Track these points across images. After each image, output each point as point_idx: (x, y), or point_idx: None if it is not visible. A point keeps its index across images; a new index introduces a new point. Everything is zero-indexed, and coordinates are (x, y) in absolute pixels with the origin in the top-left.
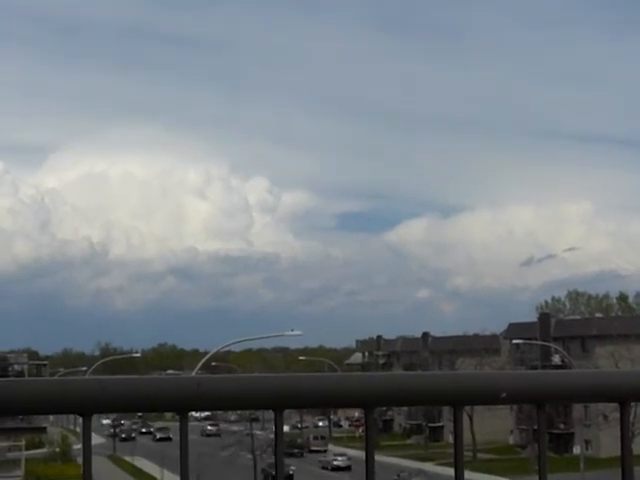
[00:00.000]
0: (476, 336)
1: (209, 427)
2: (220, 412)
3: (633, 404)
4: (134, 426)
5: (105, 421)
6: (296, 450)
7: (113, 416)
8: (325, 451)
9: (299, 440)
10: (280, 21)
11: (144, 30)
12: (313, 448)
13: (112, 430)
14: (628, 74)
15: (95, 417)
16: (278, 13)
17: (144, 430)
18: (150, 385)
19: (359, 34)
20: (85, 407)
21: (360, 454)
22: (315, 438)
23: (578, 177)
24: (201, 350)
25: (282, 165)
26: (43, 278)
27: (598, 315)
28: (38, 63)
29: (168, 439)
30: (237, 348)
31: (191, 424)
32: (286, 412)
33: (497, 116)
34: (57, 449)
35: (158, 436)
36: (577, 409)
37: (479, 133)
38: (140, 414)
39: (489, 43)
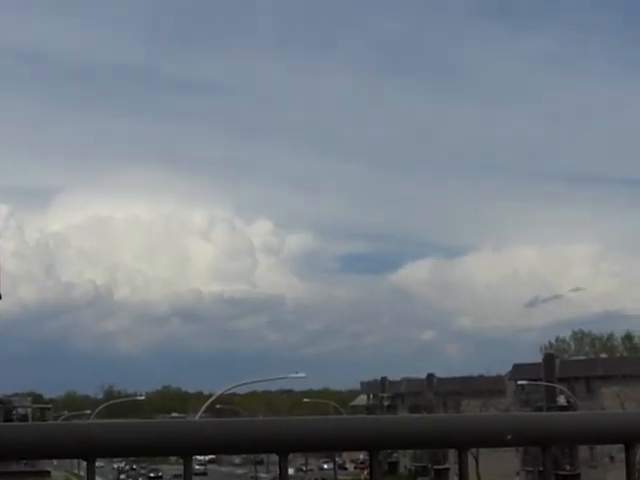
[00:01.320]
0: (481, 377)
1: (197, 466)
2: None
3: (639, 445)
4: (142, 470)
5: (116, 465)
6: None
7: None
8: None
9: None
10: (284, 63)
11: (148, 73)
12: None
13: (118, 474)
14: (635, 115)
15: (106, 461)
16: (282, 54)
17: (152, 475)
18: (154, 429)
19: (366, 75)
20: (88, 451)
21: None
22: None
23: (583, 218)
24: (205, 392)
25: (286, 207)
26: (47, 321)
27: (603, 355)
28: (43, 106)
29: None
30: (242, 390)
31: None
32: (291, 455)
33: (501, 157)
34: None
35: None
36: (583, 450)
37: (483, 174)
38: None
39: (491, 84)
